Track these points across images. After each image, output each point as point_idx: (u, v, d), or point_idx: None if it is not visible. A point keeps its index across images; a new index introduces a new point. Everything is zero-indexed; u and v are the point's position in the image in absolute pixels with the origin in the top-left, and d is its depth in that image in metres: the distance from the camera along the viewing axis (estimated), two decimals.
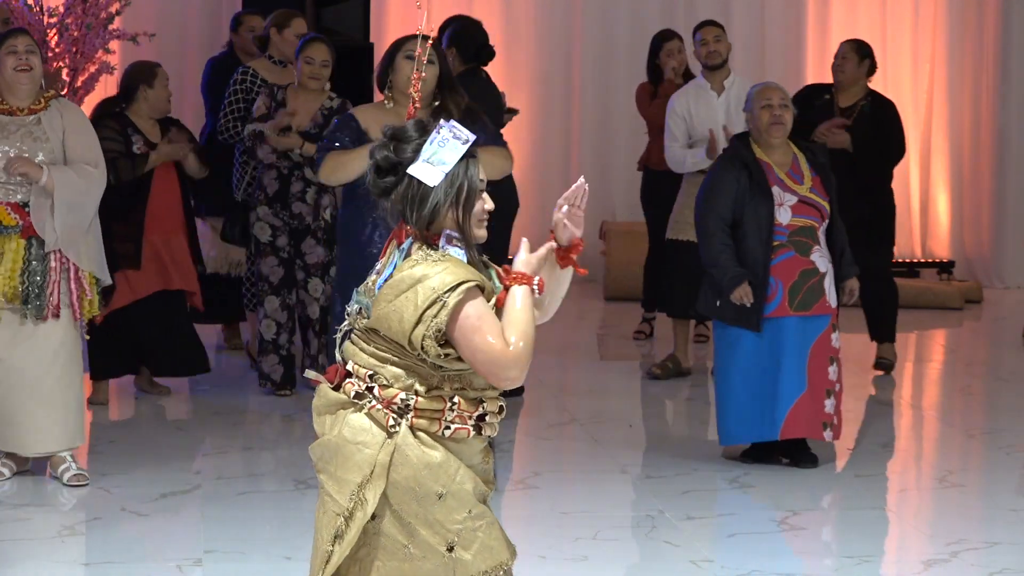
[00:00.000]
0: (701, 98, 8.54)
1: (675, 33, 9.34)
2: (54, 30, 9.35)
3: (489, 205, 3.50)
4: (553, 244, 3.57)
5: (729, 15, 12.32)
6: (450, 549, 3.47)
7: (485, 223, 3.52)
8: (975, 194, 12.71)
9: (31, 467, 6.41)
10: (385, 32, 11.70)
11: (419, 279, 3.39)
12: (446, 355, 3.41)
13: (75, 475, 6.26)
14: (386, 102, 6.44)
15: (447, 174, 3.43)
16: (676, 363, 8.67)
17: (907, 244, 12.41)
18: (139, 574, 5.33)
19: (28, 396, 6.18)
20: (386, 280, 3.47)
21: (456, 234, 3.46)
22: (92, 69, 9.61)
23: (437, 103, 6.32)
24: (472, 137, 3.45)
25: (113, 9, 9.52)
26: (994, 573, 5.41)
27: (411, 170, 3.43)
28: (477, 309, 3.39)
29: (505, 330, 3.40)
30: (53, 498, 6.17)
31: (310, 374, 3.66)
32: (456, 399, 3.46)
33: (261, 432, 7.39)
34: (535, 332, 3.43)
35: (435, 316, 3.36)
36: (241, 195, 8.20)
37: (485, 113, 6.72)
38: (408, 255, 3.46)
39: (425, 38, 5.84)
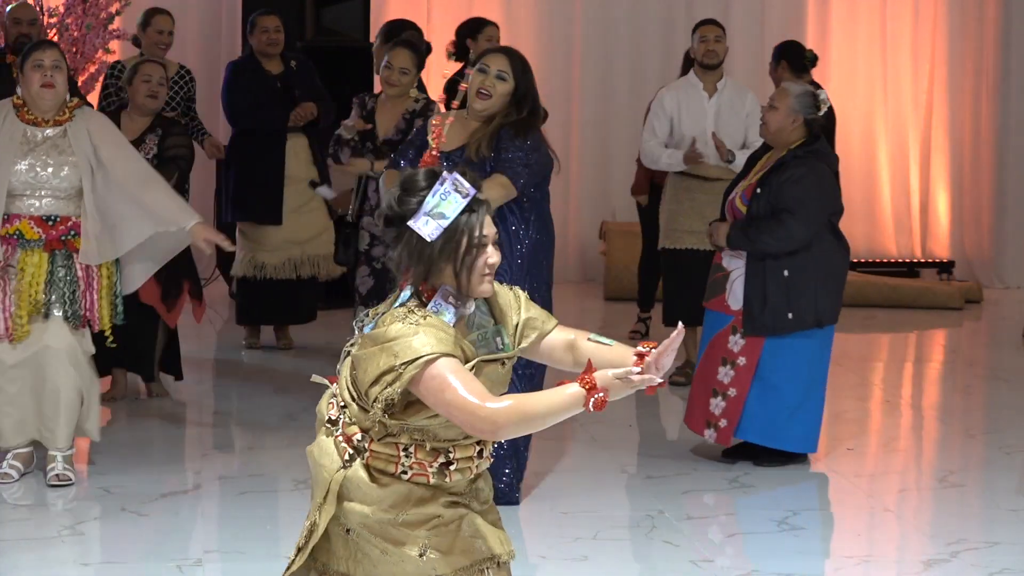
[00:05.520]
0: (692, 97, 8.41)
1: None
2: (54, 30, 9.37)
3: (494, 259, 3.35)
4: (630, 371, 3.46)
5: (729, 15, 12.31)
6: (421, 555, 3.42)
7: (489, 277, 3.36)
8: (975, 194, 12.71)
9: (34, 468, 6.39)
10: None
11: (389, 340, 3.28)
12: (391, 420, 3.33)
13: (57, 475, 6.20)
14: (465, 112, 6.13)
15: (445, 228, 3.29)
16: (694, 368, 8.68)
17: (907, 244, 12.40)
18: (139, 574, 5.33)
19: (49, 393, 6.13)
20: (374, 325, 3.37)
21: (452, 290, 3.34)
22: (92, 69, 9.63)
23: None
24: (472, 191, 3.30)
25: (113, 9, 9.54)
26: (994, 573, 5.41)
27: (410, 223, 3.30)
28: (443, 369, 3.24)
29: (520, 397, 3.27)
30: (53, 498, 6.16)
31: (316, 379, 3.63)
32: (411, 448, 3.38)
33: (261, 432, 7.38)
34: (530, 427, 3.28)
35: (389, 384, 3.27)
36: (353, 213, 7.77)
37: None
38: (400, 306, 3.36)
39: (506, 51, 5.76)
